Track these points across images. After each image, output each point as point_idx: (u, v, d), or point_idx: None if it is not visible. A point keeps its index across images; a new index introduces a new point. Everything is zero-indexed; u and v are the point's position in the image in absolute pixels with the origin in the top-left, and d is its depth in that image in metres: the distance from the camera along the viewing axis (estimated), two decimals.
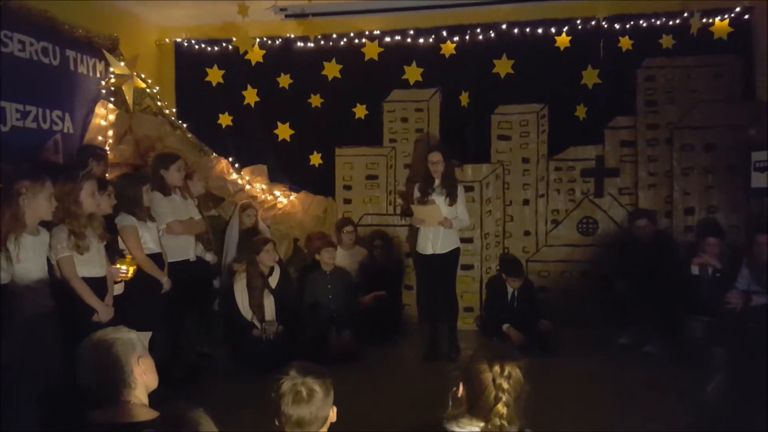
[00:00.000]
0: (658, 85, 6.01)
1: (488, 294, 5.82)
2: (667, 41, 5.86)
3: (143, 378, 1.89)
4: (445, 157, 5.15)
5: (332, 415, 1.93)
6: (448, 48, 6.19)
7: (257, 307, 4.96)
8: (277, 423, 1.88)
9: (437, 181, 5.17)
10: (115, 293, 3.72)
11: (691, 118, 5.94)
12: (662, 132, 6.01)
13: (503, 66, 6.14)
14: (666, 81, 5.99)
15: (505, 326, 5.34)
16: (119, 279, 3.84)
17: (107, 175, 4.67)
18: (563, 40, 5.99)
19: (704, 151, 5.90)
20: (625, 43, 5.91)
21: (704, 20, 5.71)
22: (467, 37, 6.19)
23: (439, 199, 5.11)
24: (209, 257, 5.22)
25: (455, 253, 5.19)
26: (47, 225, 3.30)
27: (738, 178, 5.69)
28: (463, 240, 5.99)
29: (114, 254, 3.84)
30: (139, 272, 4.00)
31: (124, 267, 3.84)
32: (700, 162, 5.90)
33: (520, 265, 5.72)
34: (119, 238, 3.98)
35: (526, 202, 6.27)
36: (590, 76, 6.02)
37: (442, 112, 6.33)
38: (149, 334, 3.94)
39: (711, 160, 5.87)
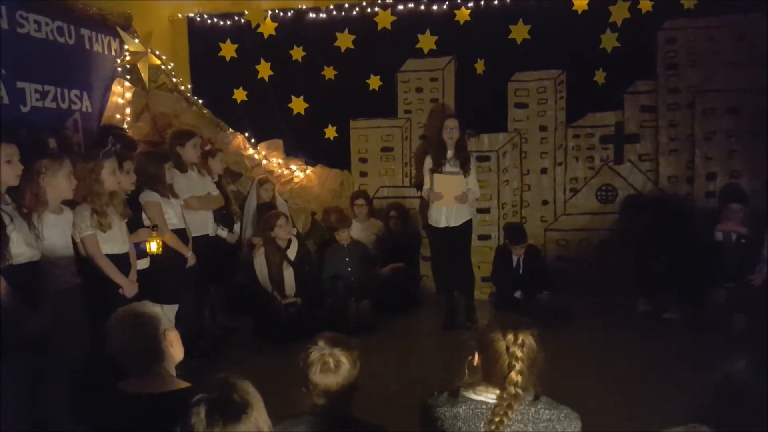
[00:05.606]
0: (679, 47, 5.84)
1: (495, 264, 5.81)
2: (688, 2, 5.67)
3: (170, 350, 1.95)
4: (461, 126, 5.14)
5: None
6: (463, 14, 6.07)
7: (277, 279, 5.07)
8: (304, 390, 1.96)
9: (450, 152, 5.15)
10: (141, 268, 3.81)
11: (713, 81, 5.79)
12: (684, 96, 5.87)
13: (519, 31, 6.01)
14: (687, 43, 5.82)
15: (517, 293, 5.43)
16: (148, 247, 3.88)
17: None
18: (581, 4, 5.84)
19: (727, 114, 5.76)
20: (645, 4, 5.73)
21: None
22: (482, 3, 6.05)
23: (453, 171, 5.10)
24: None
25: (468, 225, 5.21)
26: (71, 204, 3.37)
27: (762, 142, 5.55)
28: (480, 210, 6.02)
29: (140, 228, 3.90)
30: (164, 247, 4.08)
31: (151, 244, 3.88)
32: (722, 126, 5.77)
33: (522, 232, 5.67)
34: (143, 214, 4.05)
35: (543, 170, 6.20)
36: (609, 40, 5.86)
37: (458, 80, 6.24)
38: (175, 307, 4.04)
39: (734, 124, 5.73)
